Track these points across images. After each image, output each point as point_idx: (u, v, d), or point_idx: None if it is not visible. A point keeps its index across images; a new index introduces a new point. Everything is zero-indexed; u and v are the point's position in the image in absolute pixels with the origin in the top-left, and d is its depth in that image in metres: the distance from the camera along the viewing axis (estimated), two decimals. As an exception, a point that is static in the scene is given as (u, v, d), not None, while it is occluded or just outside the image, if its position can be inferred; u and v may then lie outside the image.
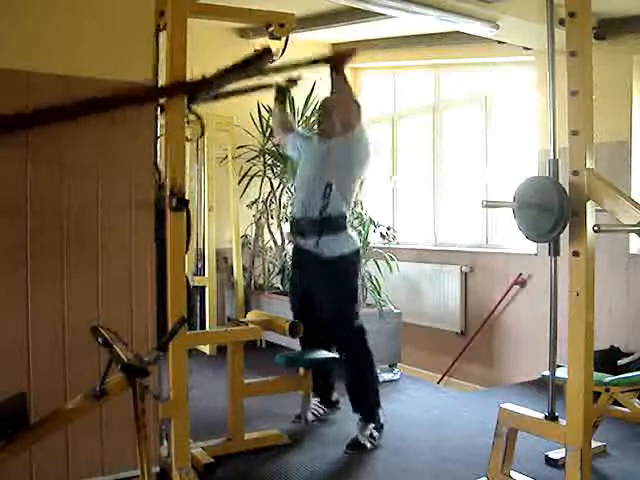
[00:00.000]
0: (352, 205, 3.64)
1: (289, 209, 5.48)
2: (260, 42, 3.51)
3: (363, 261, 3.86)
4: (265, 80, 3.19)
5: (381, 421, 3.40)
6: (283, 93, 3.67)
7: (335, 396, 3.83)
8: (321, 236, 3.40)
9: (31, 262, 2.55)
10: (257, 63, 2.92)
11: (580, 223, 2.28)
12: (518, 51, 4.81)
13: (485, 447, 2.77)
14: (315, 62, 3.26)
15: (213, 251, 5.47)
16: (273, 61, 3.31)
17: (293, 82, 3.53)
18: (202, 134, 3.40)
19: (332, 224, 3.40)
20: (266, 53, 2.91)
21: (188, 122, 2.34)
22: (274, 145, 5.57)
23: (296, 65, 3.23)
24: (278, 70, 3.20)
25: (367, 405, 3.40)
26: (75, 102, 2.25)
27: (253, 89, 3.26)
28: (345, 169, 3.43)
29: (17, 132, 2.37)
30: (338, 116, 3.43)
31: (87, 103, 2.34)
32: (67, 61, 2.60)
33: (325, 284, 3.45)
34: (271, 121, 3.86)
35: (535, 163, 4.96)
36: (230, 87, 3.06)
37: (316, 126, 3.62)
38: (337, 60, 3.32)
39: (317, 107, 3.72)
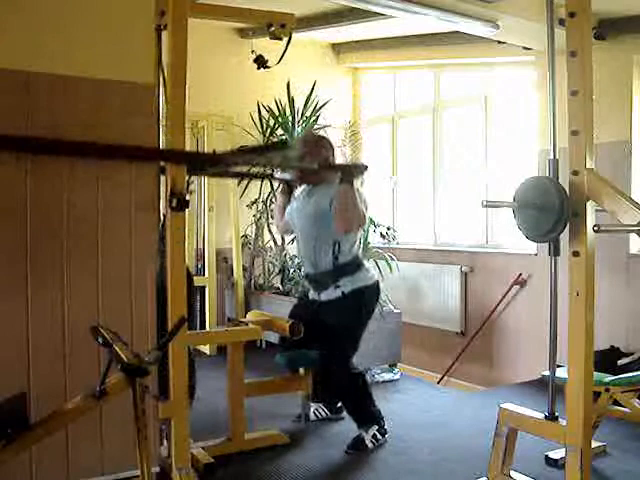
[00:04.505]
0: (361, 238, 3.50)
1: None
2: (260, 42, 3.52)
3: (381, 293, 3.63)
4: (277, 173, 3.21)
5: (385, 427, 3.40)
6: (290, 189, 3.56)
7: (340, 403, 3.81)
8: (338, 282, 3.30)
9: (31, 262, 2.55)
10: (272, 151, 2.94)
11: (580, 223, 2.28)
12: (518, 51, 4.81)
13: (485, 447, 2.77)
14: (328, 168, 3.30)
15: (213, 251, 5.48)
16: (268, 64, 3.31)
17: (301, 180, 3.48)
18: None
19: (347, 269, 3.31)
20: (282, 146, 2.94)
21: (190, 192, 2.34)
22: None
23: (302, 160, 3.25)
24: (290, 165, 3.20)
25: (366, 417, 3.39)
26: (79, 142, 2.25)
27: (261, 177, 3.28)
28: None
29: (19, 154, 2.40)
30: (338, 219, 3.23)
31: (91, 146, 2.34)
32: (67, 61, 2.60)
33: (337, 315, 3.33)
34: (273, 210, 3.78)
35: (535, 163, 4.97)
36: (237, 169, 3.08)
37: (296, 171, 3.44)
38: (349, 173, 3.24)
39: (296, 144, 3.56)
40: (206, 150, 5.45)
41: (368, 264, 3.48)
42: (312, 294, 3.51)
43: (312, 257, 3.37)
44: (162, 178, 2.70)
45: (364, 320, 3.40)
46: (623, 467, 3.03)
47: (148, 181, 2.78)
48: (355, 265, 3.34)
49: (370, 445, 3.29)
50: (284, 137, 5.54)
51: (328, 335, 3.31)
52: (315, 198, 3.38)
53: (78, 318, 2.61)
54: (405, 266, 5.73)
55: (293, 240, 5.68)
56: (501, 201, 2.70)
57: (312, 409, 3.74)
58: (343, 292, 3.30)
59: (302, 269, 3.66)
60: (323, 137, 3.59)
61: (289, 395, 3.72)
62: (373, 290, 3.40)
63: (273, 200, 5.71)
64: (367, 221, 3.53)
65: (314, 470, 3.04)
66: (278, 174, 3.34)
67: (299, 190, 3.56)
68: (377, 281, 3.44)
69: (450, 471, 3.02)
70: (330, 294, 3.34)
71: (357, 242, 3.40)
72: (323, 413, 3.77)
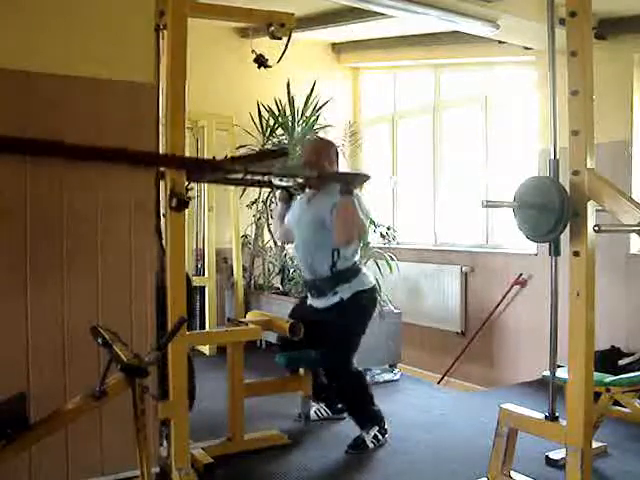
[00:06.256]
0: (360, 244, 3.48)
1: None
2: (260, 42, 3.52)
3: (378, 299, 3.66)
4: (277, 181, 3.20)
5: (385, 426, 3.39)
6: (290, 196, 3.54)
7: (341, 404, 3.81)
8: (336, 289, 3.30)
9: (31, 262, 2.55)
10: (271, 158, 2.93)
11: (580, 223, 2.28)
12: (518, 51, 4.81)
13: (485, 447, 2.77)
14: (326, 178, 3.28)
15: (213, 251, 5.48)
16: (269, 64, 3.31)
17: (302, 188, 3.45)
18: None
19: (346, 275, 3.31)
20: (282, 153, 2.93)
21: (189, 198, 2.30)
22: (274, 145, 5.58)
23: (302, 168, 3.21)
24: (289, 173, 3.20)
25: (367, 418, 3.38)
26: (79, 145, 2.24)
27: (260, 185, 3.26)
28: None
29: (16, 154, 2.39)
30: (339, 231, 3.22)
31: (91, 150, 2.33)
32: (67, 61, 2.60)
33: (337, 318, 3.31)
34: (271, 223, 3.75)
35: (535, 163, 4.96)
36: (236, 176, 3.08)
37: (299, 178, 3.38)
38: (349, 183, 3.21)
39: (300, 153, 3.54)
40: (206, 150, 5.45)
41: (365, 269, 3.49)
42: (310, 300, 3.51)
43: (310, 264, 3.38)
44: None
45: (363, 323, 3.40)
46: (623, 467, 3.03)
47: (148, 181, 2.77)
48: (353, 271, 3.34)
49: (371, 445, 3.29)
50: (284, 144, 5.50)
51: (328, 337, 3.31)
52: (315, 205, 3.37)
53: (78, 318, 2.60)
54: (405, 266, 5.72)
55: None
56: (501, 201, 2.70)
57: (313, 409, 3.74)
58: (342, 298, 3.31)
59: (301, 274, 3.64)
60: (328, 144, 3.56)
61: (289, 395, 3.72)
62: (371, 294, 3.42)
63: (273, 200, 5.72)
64: (367, 229, 3.50)
65: (314, 470, 3.04)
66: (277, 181, 3.31)
67: (299, 197, 3.54)
68: (374, 285, 3.46)
69: (450, 471, 3.02)
70: (328, 300, 3.35)
71: (358, 249, 3.41)
72: (324, 413, 3.77)
